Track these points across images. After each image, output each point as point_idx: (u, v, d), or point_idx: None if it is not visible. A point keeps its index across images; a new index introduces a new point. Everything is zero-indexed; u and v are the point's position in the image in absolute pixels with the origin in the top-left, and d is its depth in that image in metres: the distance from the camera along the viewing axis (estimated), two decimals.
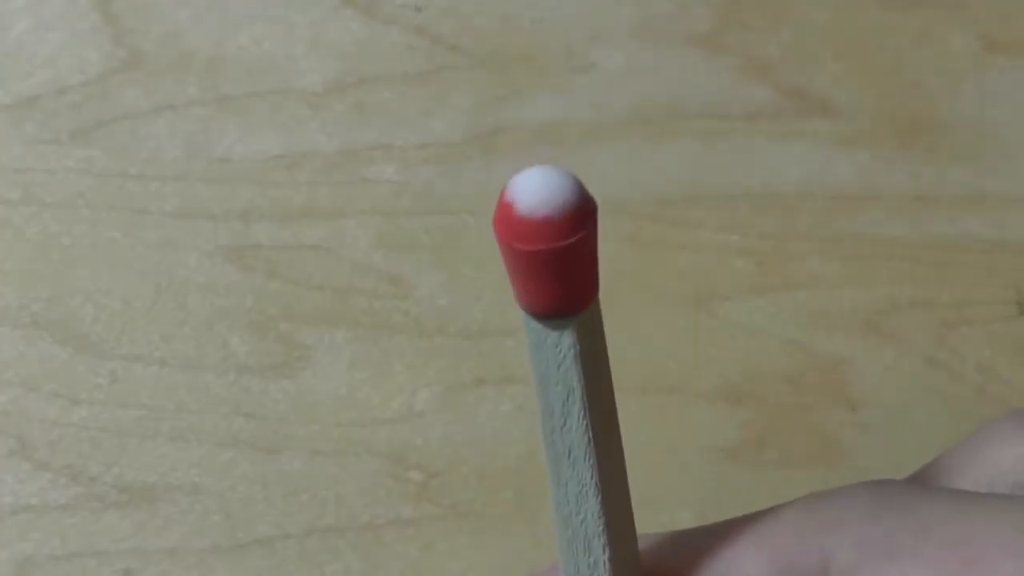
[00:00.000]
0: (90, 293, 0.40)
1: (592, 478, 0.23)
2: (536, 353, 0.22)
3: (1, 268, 0.40)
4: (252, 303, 0.40)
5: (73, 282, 0.40)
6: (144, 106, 0.41)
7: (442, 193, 0.41)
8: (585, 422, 0.23)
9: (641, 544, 0.25)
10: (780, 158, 0.42)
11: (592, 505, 0.24)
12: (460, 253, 0.41)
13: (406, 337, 0.40)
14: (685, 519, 0.40)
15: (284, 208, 0.41)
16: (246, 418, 0.39)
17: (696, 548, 0.25)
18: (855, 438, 0.40)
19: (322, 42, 0.41)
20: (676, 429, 0.40)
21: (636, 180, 0.41)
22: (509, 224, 0.20)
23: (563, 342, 0.22)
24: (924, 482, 0.26)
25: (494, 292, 0.40)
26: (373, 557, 0.39)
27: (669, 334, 0.41)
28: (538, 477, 0.39)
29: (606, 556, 0.24)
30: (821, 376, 0.41)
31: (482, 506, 0.39)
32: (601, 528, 0.24)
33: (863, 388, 0.41)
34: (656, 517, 0.40)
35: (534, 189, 0.20)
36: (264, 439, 0.39)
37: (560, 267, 0.20)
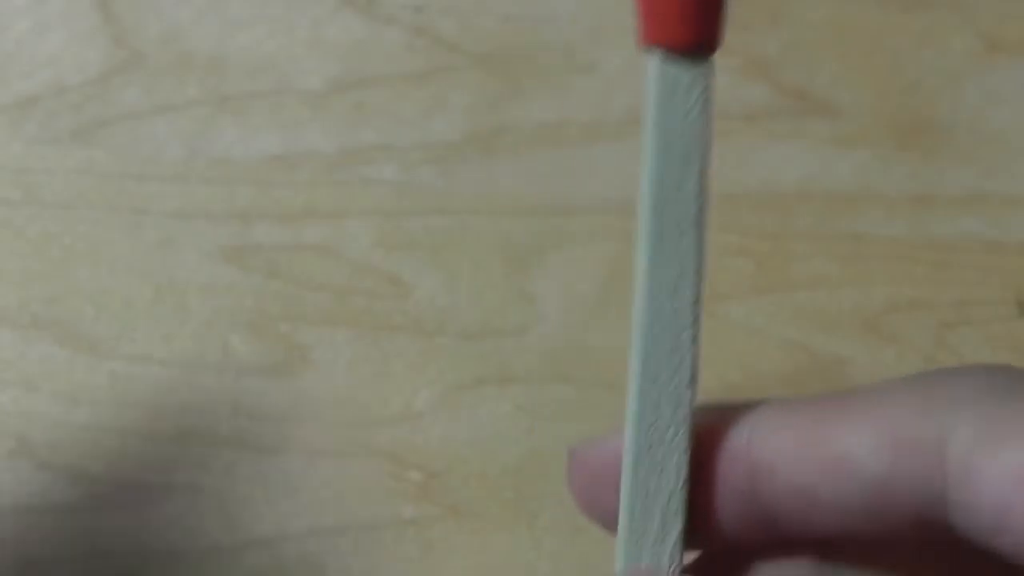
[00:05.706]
0: (90, 293, 0.40)
1: (694, 256, 0.22)
2: (662, 104, 0.22)
3: (1, 268, 0.40)
4: (252, 303, 0.40)
5: (73, 282, 0.40)
6: (144, 106, 0.41)
7: (442, 193, 0.41)
8: (701, 184, 0.22)
9: (723, 414, 0.23)
10: (779, 158, 0.42)
11: (689, 292, 0.22)
12: (460, 253, 0.41)
13: (406, 337, 0.40)
14: None
15: (284, 208, 0.41)
16: (246, 418, 0.39)
17: (796, 421, 0.22)
18: None
19: (322, 42, 0.41)
20: None
21: (636, 180, 0.41)
22: None
23: (695, 87, 0.22)
24: None
25: (494, 292, 0.40)
26: (373, 557, 0.39)
27: None
28: (538, 477, 0.39)
29: (692, 354, 0.21)
30: (821, 376, 0.41)
31: (482, 506, 0.39)
32: (691, 319, 0.21)
33: None
34: None
35: None
36: (264, 439, 0.39)
37: None
